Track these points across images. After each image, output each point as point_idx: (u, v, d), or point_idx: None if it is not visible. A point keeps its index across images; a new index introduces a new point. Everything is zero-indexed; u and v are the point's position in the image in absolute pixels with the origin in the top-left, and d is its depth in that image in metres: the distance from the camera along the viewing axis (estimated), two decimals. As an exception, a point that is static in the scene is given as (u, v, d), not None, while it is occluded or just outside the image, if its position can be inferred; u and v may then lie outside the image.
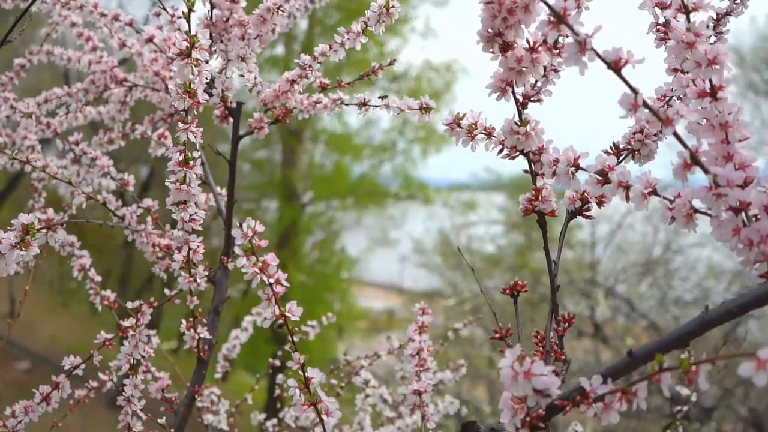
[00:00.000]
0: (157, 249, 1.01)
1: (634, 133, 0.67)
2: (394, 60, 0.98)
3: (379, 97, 0.94)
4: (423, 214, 11.51)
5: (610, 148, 0.68)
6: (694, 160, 0.51)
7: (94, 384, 1.10)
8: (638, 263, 6.79)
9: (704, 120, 0.54)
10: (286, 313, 0.62)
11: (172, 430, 0.92)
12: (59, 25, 1.28)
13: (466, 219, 10.51)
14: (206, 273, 0.90)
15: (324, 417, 0.64)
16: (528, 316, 7.03)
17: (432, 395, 1.55)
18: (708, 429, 5.30)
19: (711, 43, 0.66)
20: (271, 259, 0.62)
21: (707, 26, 0.72)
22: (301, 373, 0.64)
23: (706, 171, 0.50)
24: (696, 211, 0.54)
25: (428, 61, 10.43)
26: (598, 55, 0.49)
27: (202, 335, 0.96)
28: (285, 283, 0.62)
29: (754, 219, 0.52)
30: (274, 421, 1.30)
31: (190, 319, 0.95)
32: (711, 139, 0.53)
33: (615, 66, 0.50)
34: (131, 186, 1.09)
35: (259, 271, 0.61)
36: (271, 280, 0.61)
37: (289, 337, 0.63)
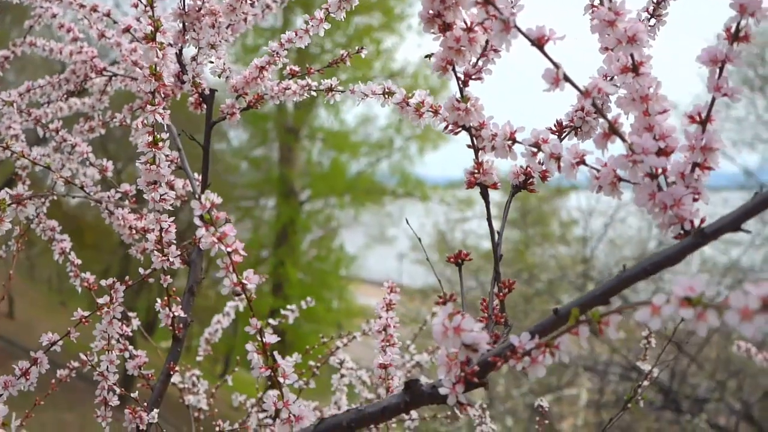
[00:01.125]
0: (134, 232, 1.04)
1: (575, 111, 0.71)
2: (362, 48, 1.01)
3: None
4: (420, 211, 11.56)
5: (554, 125, 0.71)
6: (612, 129, 0.55)
7: (75, 364, 1.13)
8: (632, 257, 6.84)
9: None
10: (243, 281, 0.66)
11: (146, 403, 0.96)
12: (42, 17, 1.31)
13: (463, 215, 10.56)
14: (179, 252, 0.93)
15: (281, 379, 0.67)
16: (521, 309, 7.07)
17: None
18: (699, 420, 5.35)
19: (644, 22, 0.69)
20: (229, 229, 0.65)
21: (646, 9, 0.75)
22: (259, 339, 0.68)
23: (623, 140, 0.54)
24: (620, 179, 0.57)
25: (425, 59, 10.46)
26: (522, 33, 0.53)
27: (176, 314, 0.99)
28: (242, 252, 0.66)
29: (674, 185, 0.55)
30: (253, 400, 1.34)
31: (165, 298, 0.99)
32: (634, 111, 0.57)
33: (538, 43, 0.53)
34: (110, 171, 1.13)
35: (217, 241, 0.64)
36: (229, 249, 0.65)
37: (248, 304, 0.67)
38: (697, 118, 0.55)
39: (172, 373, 1.01)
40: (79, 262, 1.14)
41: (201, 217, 0.64)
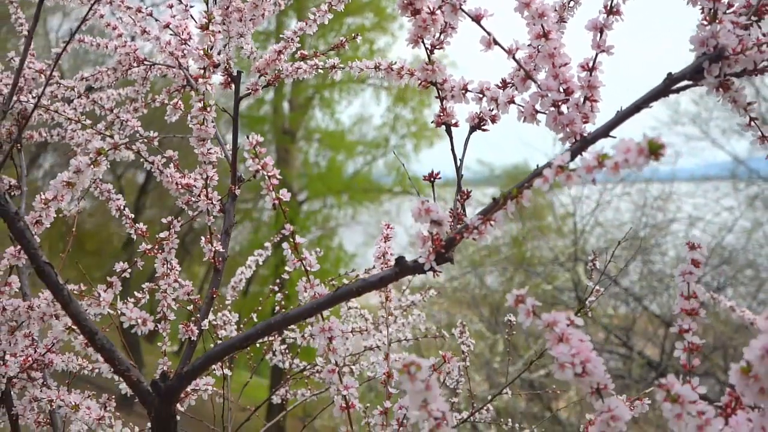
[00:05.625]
0: (179, 186, 1.30)
1: (515, 71, 0.97)
2: (357, 34, 1.28)
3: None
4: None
5: (500, 81, 0.97)
6: (527, 76, 0.81)
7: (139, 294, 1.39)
8: (621, 239, 7.12)
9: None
10: (280, 196, 0.92)
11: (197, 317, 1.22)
12: (89, 19, 1.57)
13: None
14: (220, 197, 1.20)
15: (308, 268, 0.94)
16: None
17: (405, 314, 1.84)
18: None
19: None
20: (269, 160, 0.92)
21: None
22: (292, 240, 0.94)
23: (535, 81, 0.81)
24: (537, 111, 0.84)
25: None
26: (465, 13, 0.79)
27: (217, 248, 1.26)
28: (278, 176, 0.92)
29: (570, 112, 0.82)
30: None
31: (208, 236, 1.25)
32: (545, 64, 0.83)
33: (477, 19, 0.80)
34: (156, 142, 1.39)
35: (261, 168, 0.91)
36: (269, 174, 0.91)
37: (282, 214, 0.93)
38: (587, 67, 0.82)
39: (214, 296, 1.27)
40: (132, 215, 1.40)
41: (248, 151, 0.90)
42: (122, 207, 1.40)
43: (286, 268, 0.96)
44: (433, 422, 0.65)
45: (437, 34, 0.89)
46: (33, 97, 1.49)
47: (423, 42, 0.89)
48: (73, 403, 1.00)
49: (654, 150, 0.57)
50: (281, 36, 1.22)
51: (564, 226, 9.15)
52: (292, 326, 1.66)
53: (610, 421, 0.67)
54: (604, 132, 0.76)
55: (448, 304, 8.89)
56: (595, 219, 7.48)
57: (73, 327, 1.00)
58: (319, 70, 1.26)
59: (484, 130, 0.96)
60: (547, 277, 7.30)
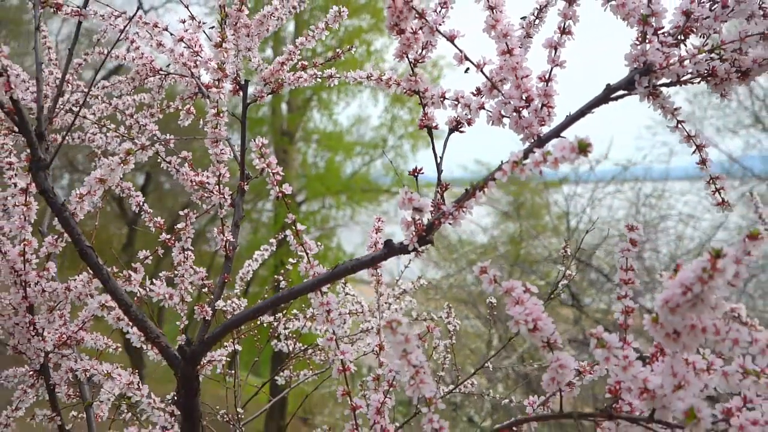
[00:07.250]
0: (193, 183, 1.46)
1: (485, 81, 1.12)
2: (352, 46, 1.43)
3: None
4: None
5: (475, 89, 1.13)
6: (493, 86, 0.96)
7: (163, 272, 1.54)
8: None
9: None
10: (283, 190, 1.07)
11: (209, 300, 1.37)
12: (107, 32, 1.72)
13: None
14: (231, 192, 1.35)
15: (308, 251, 1.09)
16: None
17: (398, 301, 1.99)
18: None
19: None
20: (273, 159, 1.07)
21: (533, 14, 1.17)
22: (294, 227, 1.09)
23: (500, 91, 0.96)
24: (503, 115, 0.99)
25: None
26: (441, 33, 0.95)
27: (228, 238, 1.41)
28: (281, 173, 1.07)
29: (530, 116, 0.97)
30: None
31: (220, 227, 1.40)
32: (509, 76, 0.98)
33: (450, 39, 0.95)
34: (172, 144, 1.54)
35: (266, 166, 1.06)
36: (273, 171, 1.06)
37: (285, 206, 1.08)
38: (544, 78, 0.97)
39: (225, 281, 1.43)
40: (151, 211, 1.55)
41: (255, 152, 1.06)
42: (141, 203, 1.55)
43: (290, 259, 1.11)
44: (412, 370, 0.80)
45: (420, 50, 1.05)
46: (61, 104, 1.65)
47: (407, 57, 1.04)
48: (106, 371, 1.15)
49: (582, 148, 0.72)
50: (284, 48, 1.38)
51: (560, 225, 9.31)
52: (295, 311, 1.82)
53: (559, 369, 0.82)
54: (555, 133, 0.92)
55: (445, 302, 9.05)
56: (589, 217, 7.64)
57: (106, 304, 1.15)
58: (318, 80, 1.41)
59: (461, 131, 1.12)
60: (542, 274, 7.47)
